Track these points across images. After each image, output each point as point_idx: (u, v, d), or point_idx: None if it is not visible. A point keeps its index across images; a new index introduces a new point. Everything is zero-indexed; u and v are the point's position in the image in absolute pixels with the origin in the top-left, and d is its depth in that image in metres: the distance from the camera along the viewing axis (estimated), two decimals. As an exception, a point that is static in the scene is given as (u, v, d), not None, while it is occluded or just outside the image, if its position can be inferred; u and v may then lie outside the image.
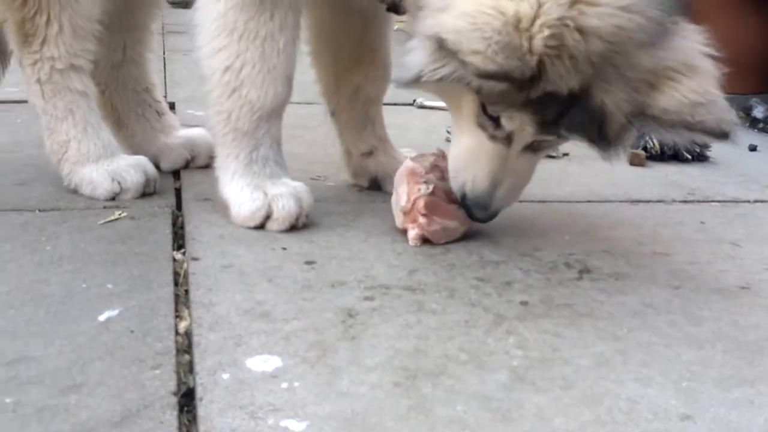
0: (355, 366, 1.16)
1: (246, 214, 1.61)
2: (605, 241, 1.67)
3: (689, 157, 2.27)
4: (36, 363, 1.15)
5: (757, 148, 2.45)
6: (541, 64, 1.33)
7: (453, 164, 1.56)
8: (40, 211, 1.70)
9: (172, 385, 1.11)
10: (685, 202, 1.96)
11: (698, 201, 1.97)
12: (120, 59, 1.98)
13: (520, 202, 1.87)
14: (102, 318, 1.28)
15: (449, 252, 1.59)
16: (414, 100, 2.88)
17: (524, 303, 1.38)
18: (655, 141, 2.26)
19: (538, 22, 1.32)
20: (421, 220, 1.58)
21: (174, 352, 1.20)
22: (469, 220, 1.60)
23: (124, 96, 2.01)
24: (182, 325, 1.28)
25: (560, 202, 1.92)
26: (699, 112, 1.38)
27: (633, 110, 1.39)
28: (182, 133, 2.04)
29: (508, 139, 1.47)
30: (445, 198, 1.59)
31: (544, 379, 1.15)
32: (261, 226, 1.61)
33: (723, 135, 1.40)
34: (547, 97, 1.37)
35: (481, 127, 1.48)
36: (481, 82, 1.36)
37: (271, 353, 1.19)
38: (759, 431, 1.05)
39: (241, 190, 1.62)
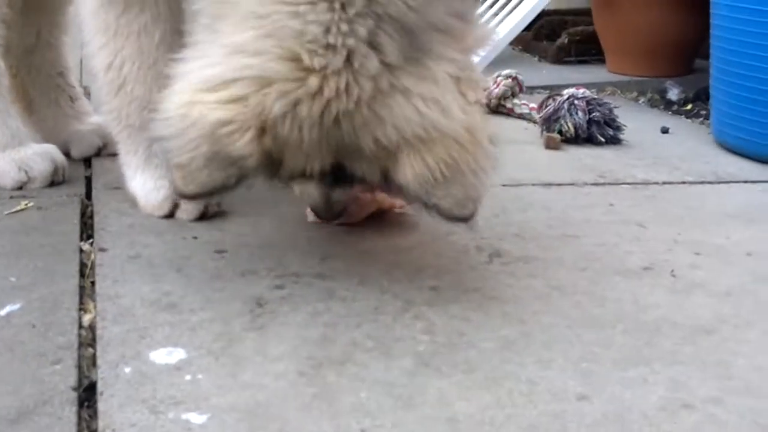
0: (261, 356, 1.16)
1: (153, 204, 1.60)
2: (516, 224, 1.70)
3: (603, 140, 2.32)
4: (-70, 361, 1.12)
5: (669, 131, 2.51)
6: (268, 156, 1.23)
7: None
8: (-59, 202, 1.65)
9: (72, 380, 1.10)
10: (596, 184, 2.00)
11: (609, 183, 2.01)
12: (33, 43, 1.94)
13: (436, 186, 1.91)
14: (2, 312, 1.26)
15: (363, 238, 1.59)
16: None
17: (434, 288, 1.40)
18: (570, 125, 2.30)
19: (251, 131, 1.20)
20: None
21: (76, 345, 1.18)
22: (375, 204, 1.62)
23: (36, 80, 1.96)
24: (86, 318, 1.26)
25: (475, 186, 1.93)
26: (435, 194, 1.24)
27: (384, 173, 1.28)
28: (94, 120, 2.00)
29: None
30: None
31: (448, 364, 1.17)
32: (171, 215, 1.59)
33: (461, 219, 1.28)
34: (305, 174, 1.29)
35: None
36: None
37: (176, 345, 1.18)
38: (651, 408, 1.09)
39: (145, 183, 1.61)
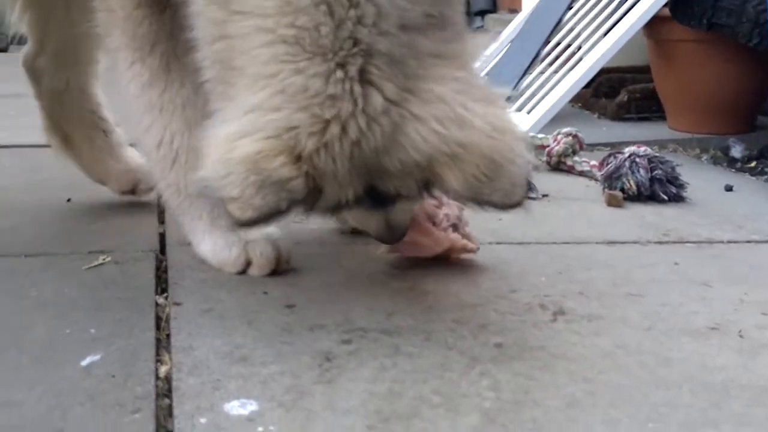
0: (330, 410, 1.19)
1: (227, 261, 1.65)
2: (580, 282, 1.71)
3: (665, 197, 2.32)
4: (18, 409, 1.17)
5: (733, 188, 2.50)
6: (313, 180, 1.34)
7: None
8: (26, 256, 1.73)
9: (150, 429, 1.14)
10: (659, 243, 2.00)
11: (673, 242, 2.01)
12: (63, 89, 2.05)
13: (498, 243, 1.93)
14: (84, 363, 1.31)
15: (428, 294, 1.62)
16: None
17: (498, 345, 1.41)
18: (632, 182, 2.31)
19: (285, 153, 1.31)
20: None
21: (154, 396, 1.22)
22: (448, 241, 1.70)
23: (70, 118, 2.07)
24: (163, 370, 1.31)
25: (538, 243, 1.96)
26: (484, 192, 1.35)
27: (424, 184, 1.40)
28: (129, 156, 2.09)
29: None
30: (425, 218, 1.69)
31: (514, 422, 1.18)
32: (242, 272, 1.65)
33: (513, 206, 1.39)
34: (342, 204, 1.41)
35: None
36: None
37: (249, 397, 1.21)
38: (721, 472, 1.08)
39: (215, 243, 1.66)
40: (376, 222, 1.55)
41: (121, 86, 1.69)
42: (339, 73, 1.32)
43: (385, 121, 1.33)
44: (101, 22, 1.69)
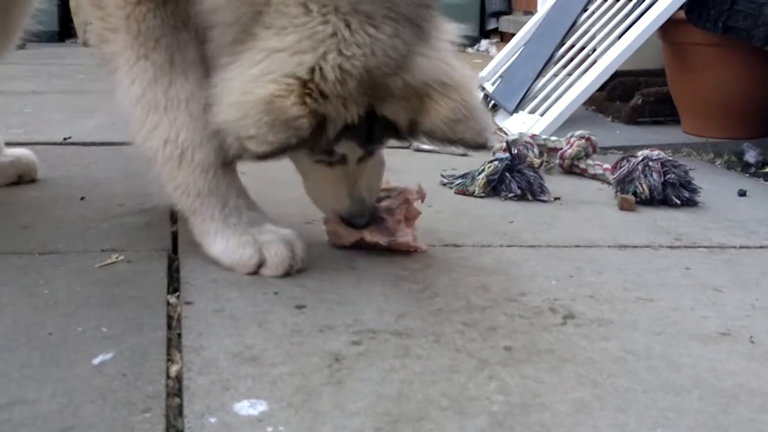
0: (339, 410, 1.20)
1: (240, 262, 1.66)
2: (591, 286, 1.71)
3: (678, 202, 2.31)
4: (29, 406, 1.19)
5: (747, 193, 2.49)
6: (316, 116, 1.49)
7: (315, 199, 1.79)
8: (39, 254, 1.75)
9: (160, 428, 1.15)
10: (671, 247, 1.99)
11: (685, 246, 2.00)
12: None
13: (509, 246, 1.94)
14: (95, 361, 1.32)
15: (437, 296, 1.62)
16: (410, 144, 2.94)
17: (508, 348, 1.42)
18: (645, 186, 2.31)
19: (294, 94, 1.46)
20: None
21: (164, 395, 1.23)
22: (357, 235, 1.80)
23: None
24: (173, 369, 1.32)
25: (549, 246, 1.96)
26: (459, 129, 1.55)
27: (411, 121, 1.58)
28: (10, 152, 2.26)
29: (344, 159, 1.65)
30: None
31: (523, 425, 1.18)
32: (255, 273, 1.66)
33: (481, 147, 1.59)
34: (348, 127, 1.55)
35: (319, 162, 1.67)
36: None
37: (258, 397, 1.22)
38: (729, 478, 1.08)
39: (227, 242, 1.67)
40: (339, 195, 1.70)
41: (119, 94, 1.69)
42: (371, 30, 1.50)
43: (399, 57, 1.52)
44: (95, 32, 1.70)
